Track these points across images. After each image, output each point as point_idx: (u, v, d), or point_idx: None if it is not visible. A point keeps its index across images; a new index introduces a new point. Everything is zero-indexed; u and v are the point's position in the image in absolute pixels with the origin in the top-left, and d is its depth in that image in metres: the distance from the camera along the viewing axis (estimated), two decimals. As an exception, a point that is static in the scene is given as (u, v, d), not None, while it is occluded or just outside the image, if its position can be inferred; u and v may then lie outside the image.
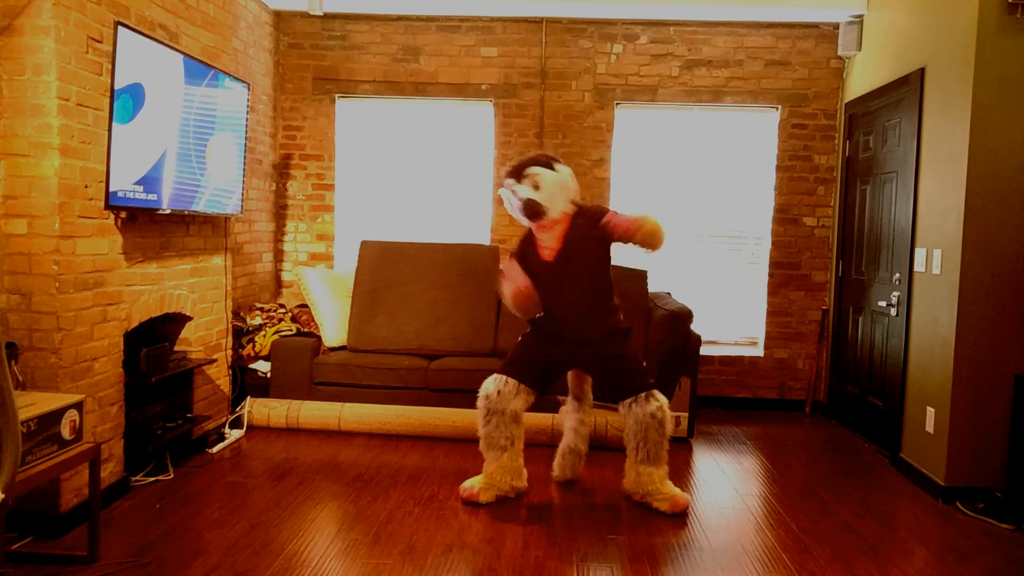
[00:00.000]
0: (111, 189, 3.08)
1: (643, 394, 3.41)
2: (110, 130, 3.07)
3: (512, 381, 3.45)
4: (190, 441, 4.02)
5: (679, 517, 3.38)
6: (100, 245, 3.16)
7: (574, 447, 3.77)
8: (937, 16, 4.00)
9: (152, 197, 3.37)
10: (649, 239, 3.32)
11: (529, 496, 3.59)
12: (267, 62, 5.37)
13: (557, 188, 3.32)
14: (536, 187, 3.30)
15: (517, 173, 3.35)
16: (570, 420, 3.77)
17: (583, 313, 3.43)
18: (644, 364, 3.50)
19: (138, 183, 3.25)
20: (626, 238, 3.34)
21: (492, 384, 3.47)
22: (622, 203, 5.56)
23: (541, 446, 4.39)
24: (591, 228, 3.38)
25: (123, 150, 3.15)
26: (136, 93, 3.21)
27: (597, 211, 3.41)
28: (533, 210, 3.31)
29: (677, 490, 3.47)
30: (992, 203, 3.66)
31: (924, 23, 4.15)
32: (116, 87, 3.07)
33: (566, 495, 3.62)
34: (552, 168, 3.34)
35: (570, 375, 3.74)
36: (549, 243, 3.40)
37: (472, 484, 3.47)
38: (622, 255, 5.56)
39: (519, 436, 3.49)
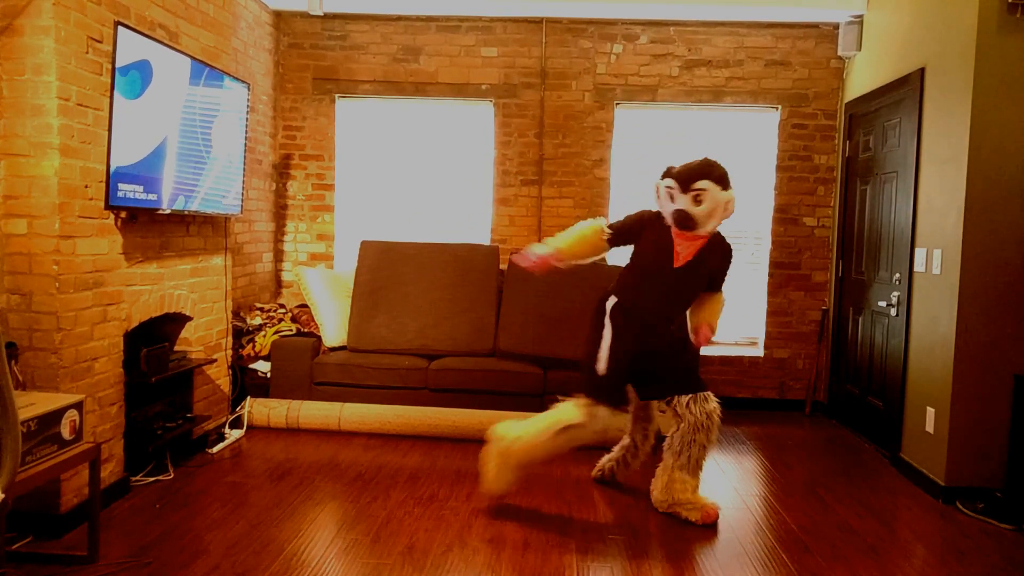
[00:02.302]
0: (112, 166, 3.08)
1: (702, 393, 3.37)
2: (111, 126, 3.07)
3: (606, 409, 3.29)
4: (190, 441, 4.02)
5: (710, 528, 3.31)
6: (100, 245, 3.16)
7: (622, 457, 3.76)
8: (937, 16, 4.00)
9: (152, 197, 3.37)
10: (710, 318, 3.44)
11: (529, 496, 3.59)
12: (267, 62, 5.37)
13: (718, 208, 3.20)
14: (698, 201, 3.17)
15: (686, 182, 3.18)
16: (630, 430, 3.74)
17: (668, 314, 3.36)
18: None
19: (138, 182, 3.25)
20: (707, 311, 3.45)
21: (597, 422, 3.28)
22: (622, 203, 5.56)
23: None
24: (719, 260, 3.37)
25: (126, 127, 3.16)
26: (144, 70, 3.23)
27: (728, 254, 3.41)
28: (685, 223, 3.21)
29: (708, 500, 3.40)
30: (992, 203, 3.66)
31: (924, 23, 4.15)
32: (123, 64, 3.08)
33: (566, 495, 3.62)
34: (722, 187, 3.20)
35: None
36: (684, 250, 3.28)
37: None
38: (622, 255, 5.57)
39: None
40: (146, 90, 3.27)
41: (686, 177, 3.18)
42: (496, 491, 3.41)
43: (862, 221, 4.96)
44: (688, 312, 3.49)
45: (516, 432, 3.34)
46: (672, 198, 3.22)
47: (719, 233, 3.36)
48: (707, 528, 3.28)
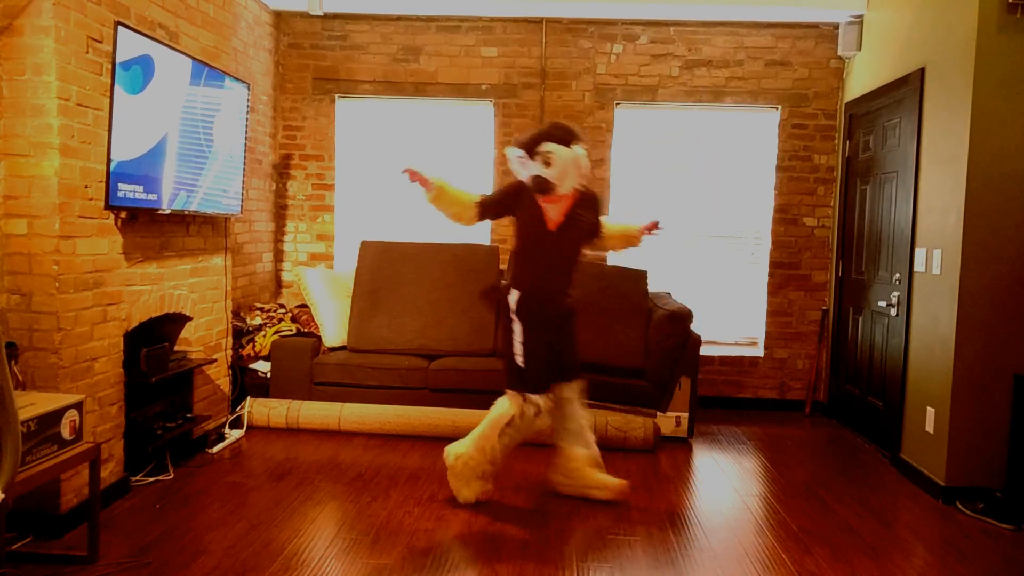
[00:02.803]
0: (113, 160, 3.08)
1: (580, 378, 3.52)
2: (111, 124, 3.07)
3: (545, 399, 3.41)
4: (190, 441, 4.02)
5: (618, 505, 3.41)
6: (100, 245, 3.16)
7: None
8: (937, 16, 4.00)
9: (152, 197, 3.37)
10: (623, 246, 3.65)
11: (529, 496, 3.59)
12: (267, 62, 5.37)
13: (569, 166, 3.32)
14: (548, 164, 3.29)
15: (530, 148, 3.31)
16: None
17: (562, 285, 3.46)
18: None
19: (138, 182, 3.25)
20: (610, 244, 3.64)
21: (531, 408, 3.38)
22: (622, 203, 5.56)
23: (542, 446, 4.39)
24: (591, 212, 3.49)
25: (128, 121, 3.17)
26: (146, 65, 3.24)
27: (598, 202, 3.56)
28: (542, 187, 3.32)
29: (610, 478, 3.51)
30: (992, 203, 3.66)
31: (924, 23, 4.15)
32: (126, 58, 3.09)
33: (566, 495, 3.62)
34: (567, 145, 3.31)
35: None
36: (553, 214, 3.39)
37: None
38: (622, 255, 5.57)
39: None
40: (148, 85, 3.28)
41: (530, 143, 3.31)
42: (472, 501, 3.45)
43: (862, 221, 4.96)
44: (616, 243, 3.65)
45: (461, 450, 3.44)
46: (525, 167, 3.34)
47: (584, 188, 3.47)
48: (703, 528, 3.28)
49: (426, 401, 4.61)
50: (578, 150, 3.35)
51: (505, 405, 3.41)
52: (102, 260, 3.18)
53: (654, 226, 3.61)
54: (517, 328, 3.39)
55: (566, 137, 3.33)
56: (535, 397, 3.36)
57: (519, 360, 3.38)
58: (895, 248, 4.43)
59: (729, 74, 5.45)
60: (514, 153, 3.37)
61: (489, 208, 3.48)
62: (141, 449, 3.52)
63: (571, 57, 5.48)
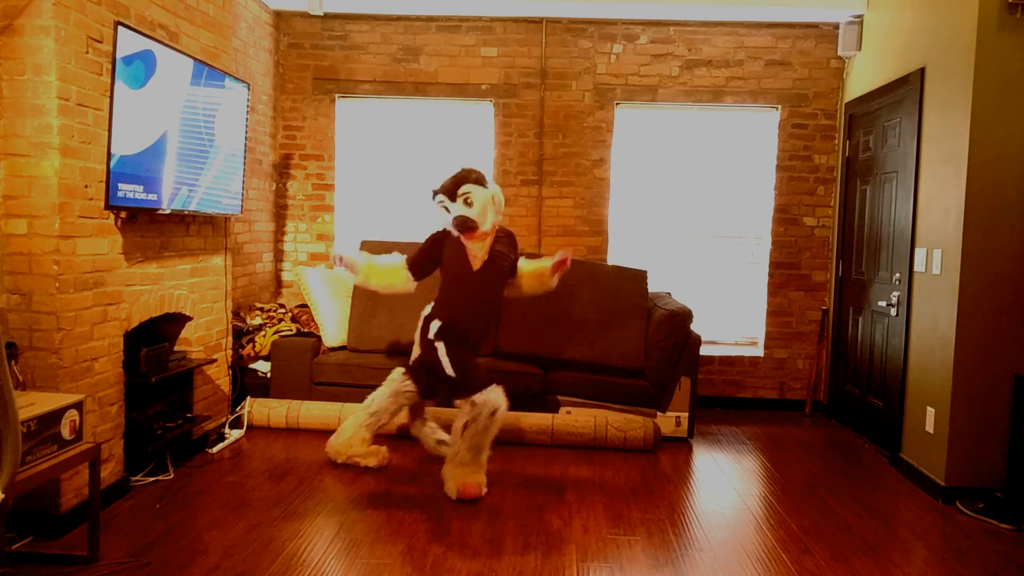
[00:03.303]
0: (113, 155, 3.09)
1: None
2: (111, 124, 3.07)
3: (412, 385, 3.76)
4: (190, 441, 4.02)
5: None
6: (100, 245, 3.16)
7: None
8: (937, 16, 4.00)
9: (152, 197, 3.37)
10: (537, 287, 3.76)
11: (529, 496, 3.59)
12: (267, 62, 5.37)
13: (487, 204, 3.57)
14: (468, 204, 3.54)
15: (451, 191, 3.56)
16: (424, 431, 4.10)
17: (487, 318, 3.68)
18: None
19: (138, 182, 3.25)
20: (525, 283, 3.76)
21: (399, 377, 3.79)
22: (622, 203, 5.56)
23: (541, 446, 4.40)
24: (510, 250, 3.72)
25: (129, 116, 3.17)
26: (148, 60, 3.25)
27: (514, 239, 3.78)
28: (466, 226, 3.54)
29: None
30: (992, 203, 3.66)
31: (924, 23, 4.15)
32: (128, 53, 3.10)
33: (566, 495, 3.62)
34: (483, 185, 3.59)
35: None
36: (477, 252, 3.62)
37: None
38: (621, 256, 5.57)
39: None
40: (149, 81, 3.28)
41: (451, 187, 3.57)
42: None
43: (862, 221, 4.96)
44: (530, 281, 3.77)
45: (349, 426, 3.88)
46: (448, 210, 3.58)
47: (500, 227, 3.72)
48: (703, 528, 3.28)
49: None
50: (492, 187, 3.61)
51: (465, 411, 3.56)
52: (102, 260, 3.18)
53: (562, 263, 3.66)
54: (441, 346, 3.59)
55: (481, 180, 3.60)
56: (480, 397, 3.50)
57: (450, 372, 3.57)
58: (895, 248, 4.43)
59: (729, 74, 5.45)
60: (437, 200, 3.61)
61: (417, 265, 3.71)
62: (141, 449, 3.52)
63: (571, 57, 5.48)
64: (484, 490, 3.54)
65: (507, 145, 5.53)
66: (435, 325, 3.62)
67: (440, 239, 3.70)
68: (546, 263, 3.70)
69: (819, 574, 2.87)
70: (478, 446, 3.53)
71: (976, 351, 3.70)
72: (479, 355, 3.76)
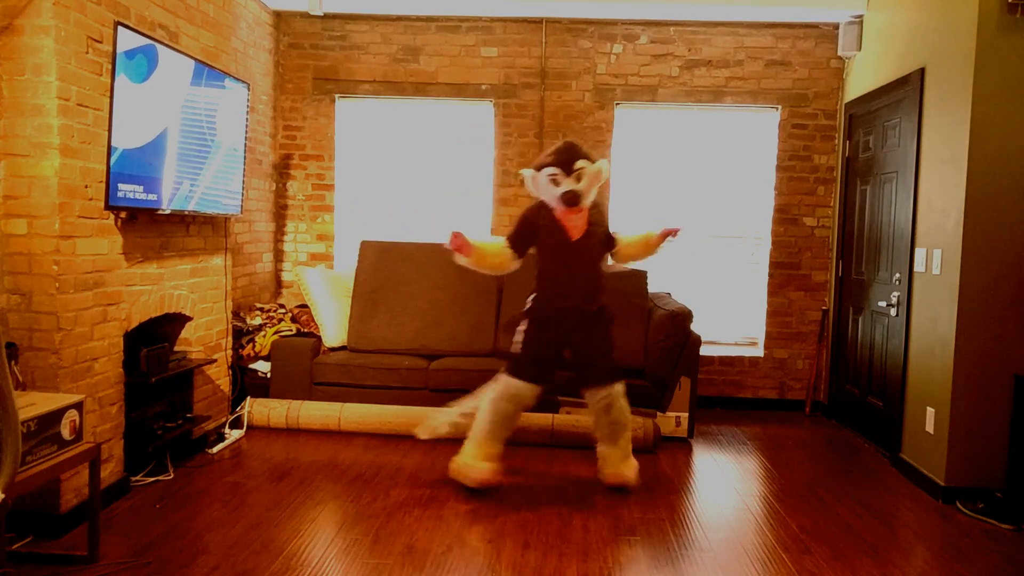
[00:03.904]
0: (114, 150, 3.09)
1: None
2: (111, 124, 3.07)
3: (525, 384, 3.58)
4: (190, 441, 4.02)
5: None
6: (100, 245, 3.16)
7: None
8: (937, 16, 4.00)
9: (152, 197, 3.37)
10: (641, 254, 3.81)
11: (529, 496, 3.59)
12: (267, 62, 5.37)
13: (595, 180, 3.54)
14: (579, 179, 3.50)
15: (567, 165, 3.50)
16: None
17: (590, 289, 3.63)
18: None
19: (138, 182, 3.25)
20: (630, 251, 3.81)
21: (505, 388, 3.60)
22: (622, 203, 5.56)
23: (541, 446, 4.40)
24: (604, 220, 3.75)
25: (131, 110, 3.18)
26: (150, 55, 3.26)
27: (603, 209, 3.80)
28: (574, 201, 3.50)
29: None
30: (992, 203, 3.66)
31: (924, 23, 4.15)
32: (130, 48, 3.11)
33: (566, 495, 3.62)
34: (592, 160, 3.56)
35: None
36: (577, 223, 3.57)
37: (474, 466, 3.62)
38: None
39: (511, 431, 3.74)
40: (151, 76, 3.28)
41: (567, 160, 3.51)
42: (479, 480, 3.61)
43: (862, 221, 4.96)
44: (635, 250, 3.81)
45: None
46: (557, 183, 3.50)
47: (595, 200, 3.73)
48: (703, 528, 3.28)
49: (426, 401, 4.61)
50: (600, 163, 3.56)
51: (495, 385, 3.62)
52: (102, 260, 3.18)
53: (673, 232, 3.74)
54: (523, 322, 3.64)
55: (588, 154, 3.57)
56: (515, 381, 3.56)
57: (516, 347, 3.63)
58: (895, 248, 4.43)
59: (729, 74, 5.45)
60: (547, 172, 3.51)
61: (518, 242, 3.64)
62: (141, 449, 3.52)
63: (571, 57, 5.48)
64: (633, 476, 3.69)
65: (507, 145, 5.53)
66: (530, 299, 3.65)
67: (534, 214, 3.63)
68: (653, 232, 3.75)
69: (819, 574, 2.87)
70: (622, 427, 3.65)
71: (976, 351, 3.69)
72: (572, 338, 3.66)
